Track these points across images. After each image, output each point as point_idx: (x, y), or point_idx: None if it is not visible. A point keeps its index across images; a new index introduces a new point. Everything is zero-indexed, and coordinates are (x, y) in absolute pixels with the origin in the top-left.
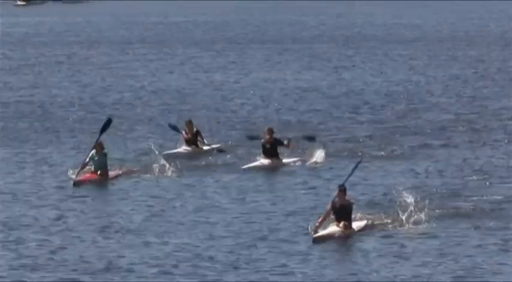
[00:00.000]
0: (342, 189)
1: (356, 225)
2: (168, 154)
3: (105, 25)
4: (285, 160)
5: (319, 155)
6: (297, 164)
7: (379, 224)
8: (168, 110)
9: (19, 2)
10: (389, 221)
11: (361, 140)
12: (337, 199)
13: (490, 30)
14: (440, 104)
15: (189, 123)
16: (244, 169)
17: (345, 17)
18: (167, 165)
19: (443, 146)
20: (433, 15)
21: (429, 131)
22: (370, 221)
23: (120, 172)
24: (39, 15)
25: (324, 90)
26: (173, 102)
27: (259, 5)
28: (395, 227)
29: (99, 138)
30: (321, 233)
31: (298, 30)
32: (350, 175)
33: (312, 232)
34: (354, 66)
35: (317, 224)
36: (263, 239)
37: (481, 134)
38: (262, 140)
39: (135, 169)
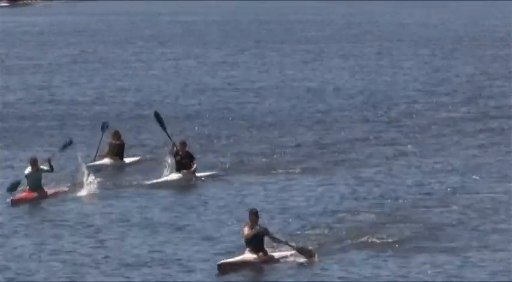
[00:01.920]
0: (254, 213)
1: (273, 253)
2: (91, 166)
3: (98, 25)
4: (198, 174)
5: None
6: (210, 178)
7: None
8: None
9: (3, 4)
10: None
11: (361, 140)
12: (249, 223)
13: (498, 30)
14: (446, 103)
15: (115, 134)
16: (149, 184)
17: (348, 17)
18: (93, 180)
19: (451, 145)
20: (434, 16)
21: (433, 131)
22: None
23: (58, 190)
24: (25, 16)
25: (320, 89)
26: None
27: (257, 5)
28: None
29: None
30: (228, 260)
31: (303, 29)
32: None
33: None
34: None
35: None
36: (165, 268)
37: (489, 133)
38: (175, 153)
39: (69, 185)
